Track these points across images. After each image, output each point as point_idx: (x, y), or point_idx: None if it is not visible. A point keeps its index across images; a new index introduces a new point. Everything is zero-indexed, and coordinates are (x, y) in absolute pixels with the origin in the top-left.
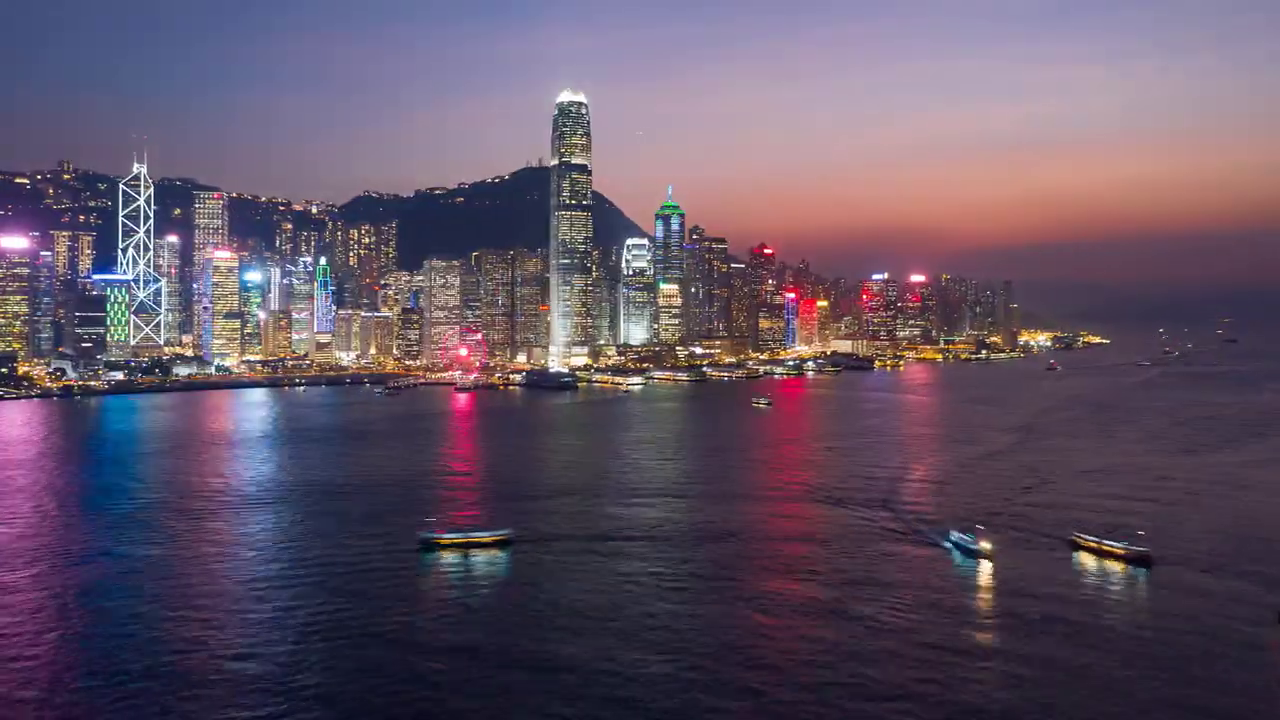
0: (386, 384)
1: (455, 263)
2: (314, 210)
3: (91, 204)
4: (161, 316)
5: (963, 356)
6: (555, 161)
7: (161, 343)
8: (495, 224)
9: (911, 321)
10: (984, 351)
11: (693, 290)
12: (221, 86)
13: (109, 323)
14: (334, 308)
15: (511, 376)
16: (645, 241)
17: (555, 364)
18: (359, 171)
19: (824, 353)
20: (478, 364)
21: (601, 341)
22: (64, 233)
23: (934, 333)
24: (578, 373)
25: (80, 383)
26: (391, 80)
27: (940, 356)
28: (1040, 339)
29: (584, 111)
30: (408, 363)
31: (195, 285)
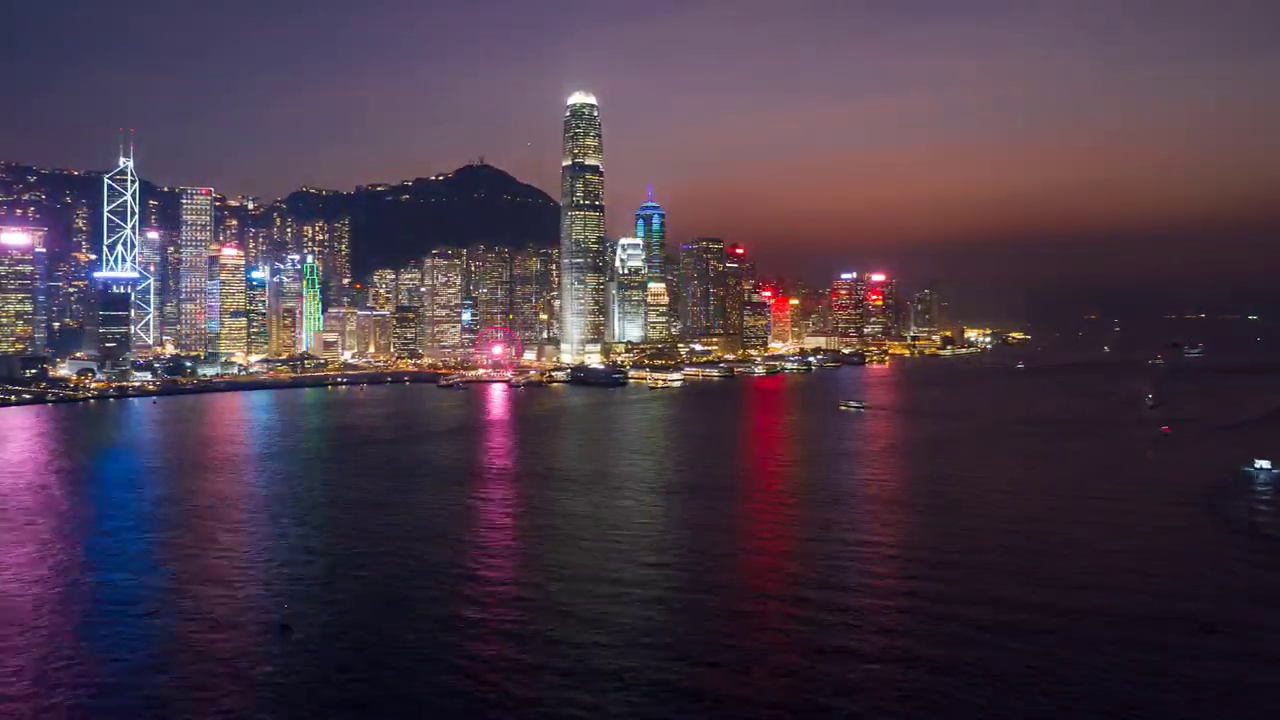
0: (438, 381)
1: (457, 260)
2: (250, 206)
3: (26, 197)
4: (150, 315)
5: (928, 351)
6: (568, 162)
7: (151, 342)
8: (445, 222)
9: (873, 319)
10: (949, 347)
11: (689, 290)
12: (129, 74)
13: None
14: (321, 305)
15: (555, 374)
16: (639, 241)
17: (569, 361)
18: (278, 169)
19: (803, 349)
20: (511, 362)
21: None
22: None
23: (891, 329)
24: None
25: (133, 385)
26: (308, 71)
27: (907, 352)
28: (972, 335)
29: (595, 114)
30: (411, 361)
31: (184, 283)
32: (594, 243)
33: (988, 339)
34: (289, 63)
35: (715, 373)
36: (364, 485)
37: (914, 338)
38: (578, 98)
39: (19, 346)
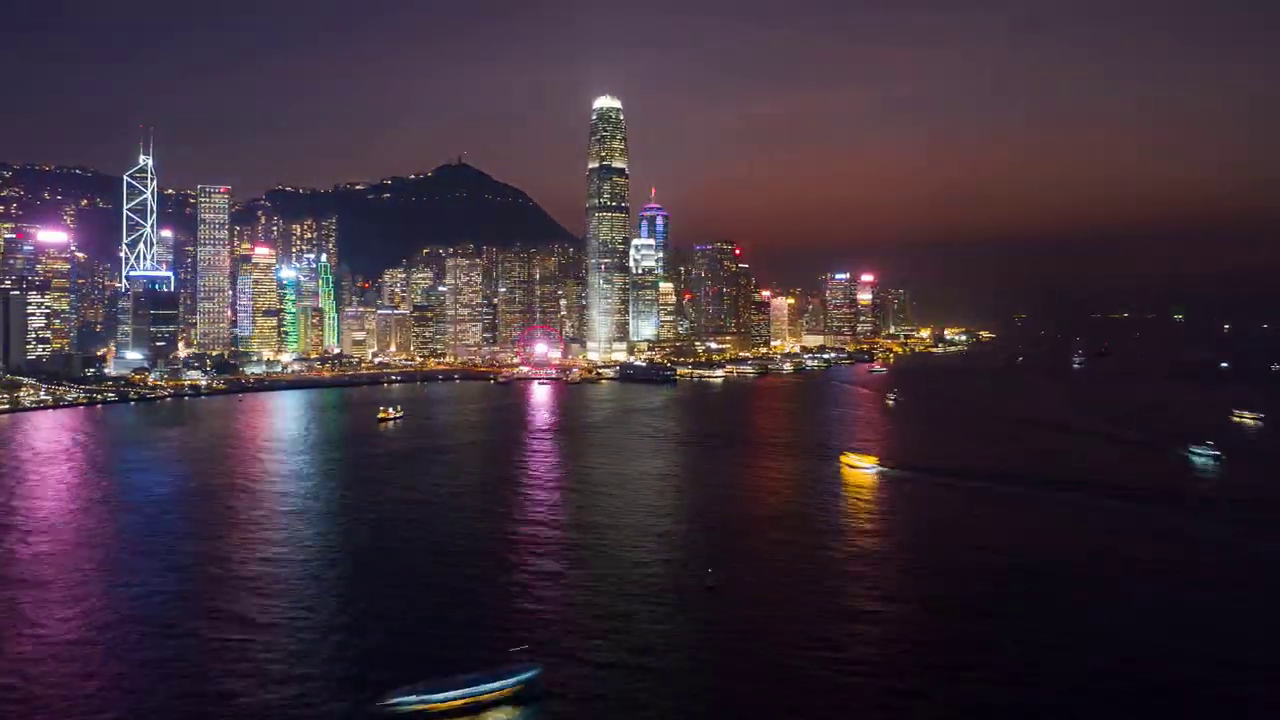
0: (493, 378)
1: (478, 260)
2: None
3: (5, 194)
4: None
5: (918, 349)
6: (595, 164)
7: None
8: (429, 221)
9: (863, 318)
10: (940, 345)
11: (703, 289)
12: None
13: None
14: (334, 303)
15: (601, 371)
16: (652, 241)
17: (596, 359)
18: (245, 168)
19: (805, 347)
20: (552, 360)
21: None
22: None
23: (880, 328)
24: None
25: (203, 384)
26: (272, 69)
27: (900, 349)
28: (948, 334)
29: (620, 117)
30: (436, 360)
31: (202, 282)
32: (620, 243)
33: (963, 337)
34: (251, 60)
35: (750, 369)
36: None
37: (907, 336)
38: (604, 101)
39: (58, 344)
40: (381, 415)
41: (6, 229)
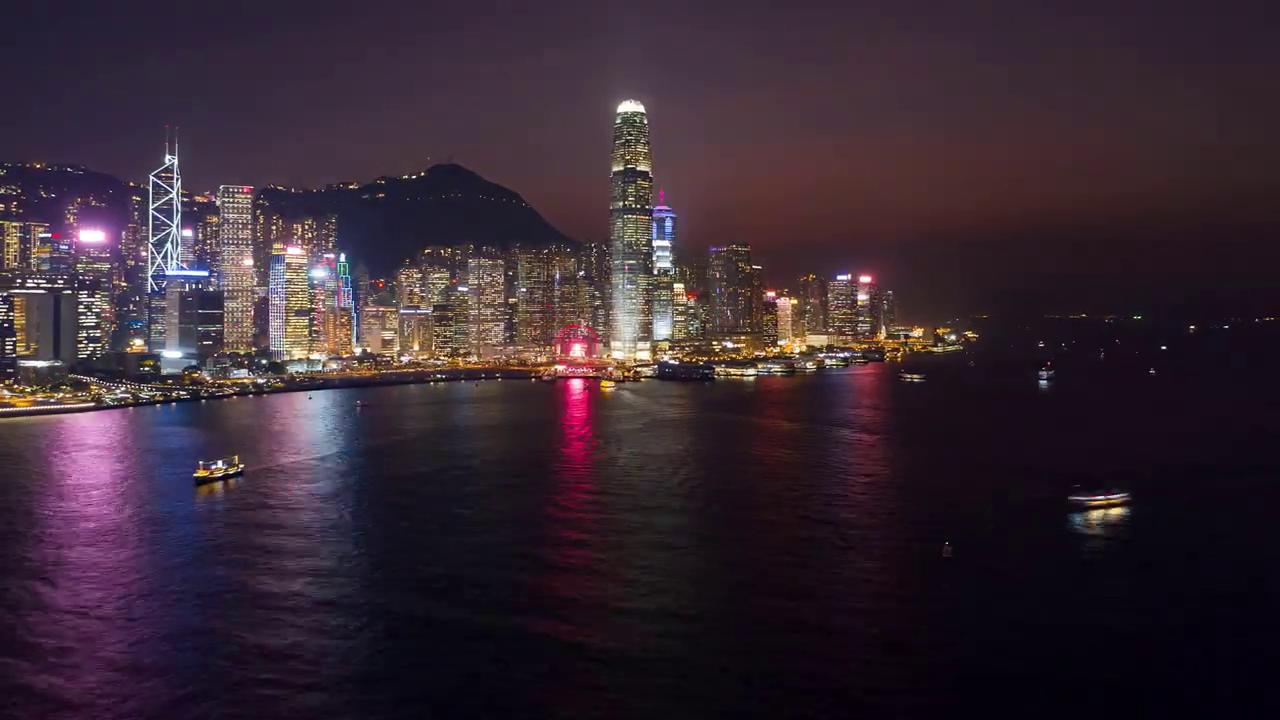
0: (538, 378)
1: (501, 260)
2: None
3: (2, 192)
4: None
5: (917, 348)
6: (619, 168)
7: None
8: (424, 221)
9: (861, 318)
10: (939, 345)
11: (718, 290)
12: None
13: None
14: (353, 303)
15: (641, 370)
16: (668, 243)
17: (620, 358)
18: (232, 167)
19: (811, 347)
20: (586, 360)
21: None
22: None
23: (876, 328)
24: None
25: (268, 381)
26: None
27: (900, 349)
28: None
29: (644, 122)
30: (462, 359)
31: (224, 283)
32: (644, 245)
33: (952, 336)
34: (244, 59)
35: (778, 368)
36: None
37: (906, 336)
38: (628, 106)
39: (101, 344)
40: (201, 473)
41: (15, 227)
